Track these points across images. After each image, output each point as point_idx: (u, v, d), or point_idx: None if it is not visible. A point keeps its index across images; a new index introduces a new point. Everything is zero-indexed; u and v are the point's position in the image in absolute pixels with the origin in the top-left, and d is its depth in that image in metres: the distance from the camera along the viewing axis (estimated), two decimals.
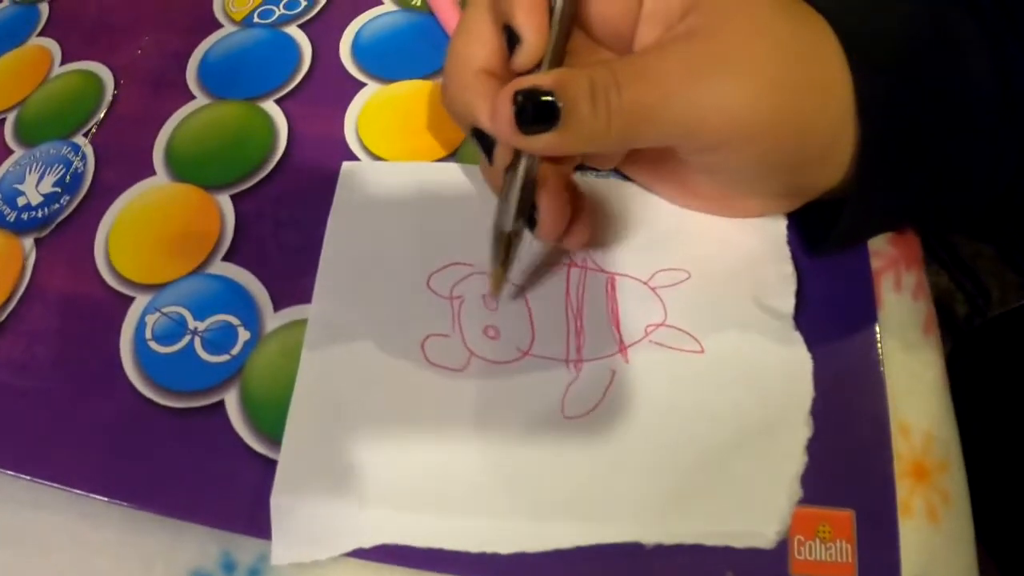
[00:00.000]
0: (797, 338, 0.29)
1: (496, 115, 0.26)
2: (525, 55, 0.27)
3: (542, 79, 0.25)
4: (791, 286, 0.30)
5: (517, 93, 0.25)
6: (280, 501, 0.28)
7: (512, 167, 0.27)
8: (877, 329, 0.30)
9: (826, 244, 0.29)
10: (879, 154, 0.26)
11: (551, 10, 0.27)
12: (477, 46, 0.28)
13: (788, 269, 0.31)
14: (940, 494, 0.28)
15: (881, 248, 0.33)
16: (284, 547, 0.27)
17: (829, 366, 0.29)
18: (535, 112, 0.25)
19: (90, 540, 0.30)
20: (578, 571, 0.27)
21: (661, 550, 0.27)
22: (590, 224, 0.29)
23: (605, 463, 0.28)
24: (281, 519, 0.28)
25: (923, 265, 0.33)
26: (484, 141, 0.28)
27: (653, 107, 0.25)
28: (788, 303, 0.30)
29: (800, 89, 0.26)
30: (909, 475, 0.28)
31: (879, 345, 0.30)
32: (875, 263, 0.32)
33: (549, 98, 0.25)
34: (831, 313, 0.31)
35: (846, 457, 0.28)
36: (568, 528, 0.27)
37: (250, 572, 0.29)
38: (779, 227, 0.32)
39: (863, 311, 0.31)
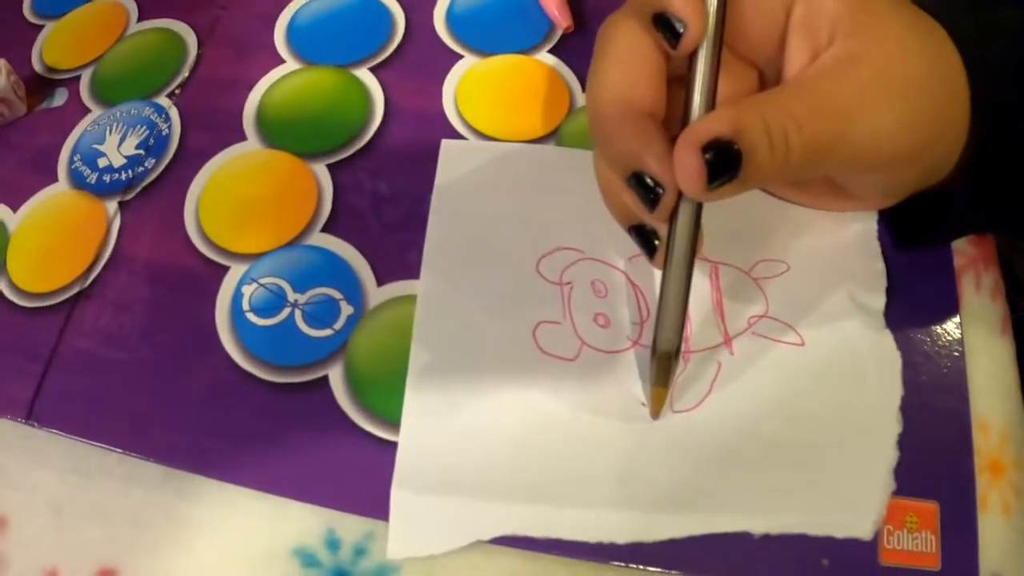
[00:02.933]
0: (888, 336, 0.30)
1: (684, 171, 0.24)
2: (689, 38, 0.25)
3: (718, 125, 0.24)
4: (882, 282, 0.31)
5: (705, 147, 0.24)
6: (400, 494, 0.28)
7: (668, 258, 0.26)
8: (960, 328, 0.31)
9: (920, 241, 0.30)
10: (990, 158, 0.26)
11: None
12: (639, 83, 0.26)
13: (879, 265, 0.31)
14: (1014, 489, 0.30)
15: (962, 247, 0.34)
16: (402, 541, 0.28)
17: (914, 362, 0.30)
18: (721, 164, 0.24)
19: (186, 518, 0.30)
20: (691, 556, 0.27)
21: (766, 539, 0.27)
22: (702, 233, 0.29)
23: (714, 456, 0.28)
24: (400, 513, 0.28)
25: (999, 266, 0.33)
26: (645, 187, 0.26)
27: (832, 142, 0.25)
28: (880, 299, 0.31)
29: (942, 110, 0.26)
30: (986, 471, 0.29)
31: (962, 344, 0.31)
32: (956, 262, 0.33)
33: (735, 147, 0.24)
34: (916, 310, 0.31)
35: (930, 451, 0.29)
36: (681, 519, 0.27)
37: (355, 550, 0.29)
38: (870, 222, 0.32)
39: (947, 309, 0.32)
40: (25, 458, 0.32)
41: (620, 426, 0.29)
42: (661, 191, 0.25)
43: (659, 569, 0.27)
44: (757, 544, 0.27)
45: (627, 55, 0.27)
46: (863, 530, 0.27)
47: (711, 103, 0.26)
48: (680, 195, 0.25)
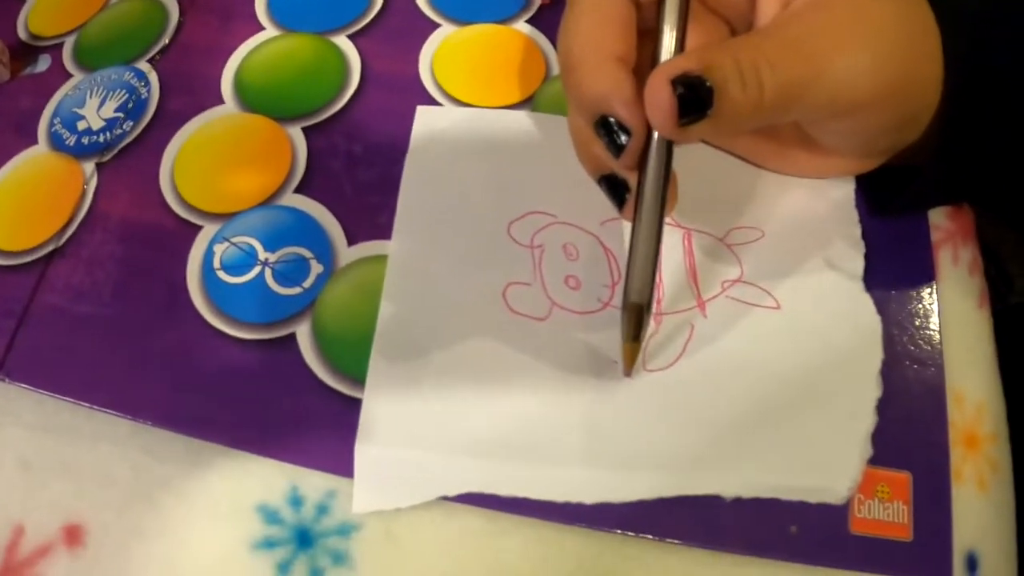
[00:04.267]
0: (868, 300, 0.30)
1: (653, 106, 0.24)
2: None
3: (687, 62, 0.24)
4: (860, 248, 0.31)
5: (675, 80, 0.24)
6: (364, 448, 0.28)
7: (637, 210, 0.26)
8: (937, 301, 0.31)
9: (894, 209, 0.30)
10: (959, 111, 0.26)
11: None
12: (609, 30, 0.27)
13: (857, 232, 0.31)
14: (990, 463, 0.29)
15: (939, 222, 0.34)
16: (367, 495, 0.28)
17: (890, 333, 0.30)
18: (691, 99, 0.24)
19: (153, 473, 0.30)
20: (658, 520, 0.27)
21: (736, 503, 0.27)
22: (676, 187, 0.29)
23: (686, 416, 0.28)
24: (364, 467, 0.28)
25: (977, 241, 0.34)
26: (611, 133, 0.26)
27: (806, 81, 0.25)
28: (858, 265, 0.31)
29: (913, 50, 0.26)
30: (961, 443, 0.29)
31: (938, 316, 0.31)
32: (934, 236, 0.33)
33: (705, 82, 0.24)
34: (893, 283, 0.32)
35: (904, 421, 0.29)
36: (652, 479, 0.27)
37: (318, 508, 0.29)
38: (848, 190, 0.32)
39: (924, 281, 0.32)
40: None
41: (590, 384, 0.29)
42: (627, 136, 0.25)
43: (625, 532, 0.27)
44: (726, 508, 0.27)
45: (597, 4, 0.27)
46: (837, 495, 0.27)
47: (680, 48, 0.26)
48: (648, 143, 0.26)
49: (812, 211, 0.32)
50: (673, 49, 0.26)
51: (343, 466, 0.29)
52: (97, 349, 0.32)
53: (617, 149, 0.26)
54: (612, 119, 0.26)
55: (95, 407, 0.31)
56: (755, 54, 0.25)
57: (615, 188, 0.27)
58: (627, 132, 0.25)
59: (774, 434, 0.28)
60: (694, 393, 0.28)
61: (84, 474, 0.30)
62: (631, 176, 0.27)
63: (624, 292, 0.27)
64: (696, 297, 0.30)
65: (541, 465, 0.28)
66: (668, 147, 0.26)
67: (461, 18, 0.38)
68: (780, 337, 0.29)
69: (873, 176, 0.32)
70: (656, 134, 0.26)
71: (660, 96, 0.24)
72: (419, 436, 0.28)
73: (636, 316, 0.27)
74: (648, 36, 0.27)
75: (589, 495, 0.27)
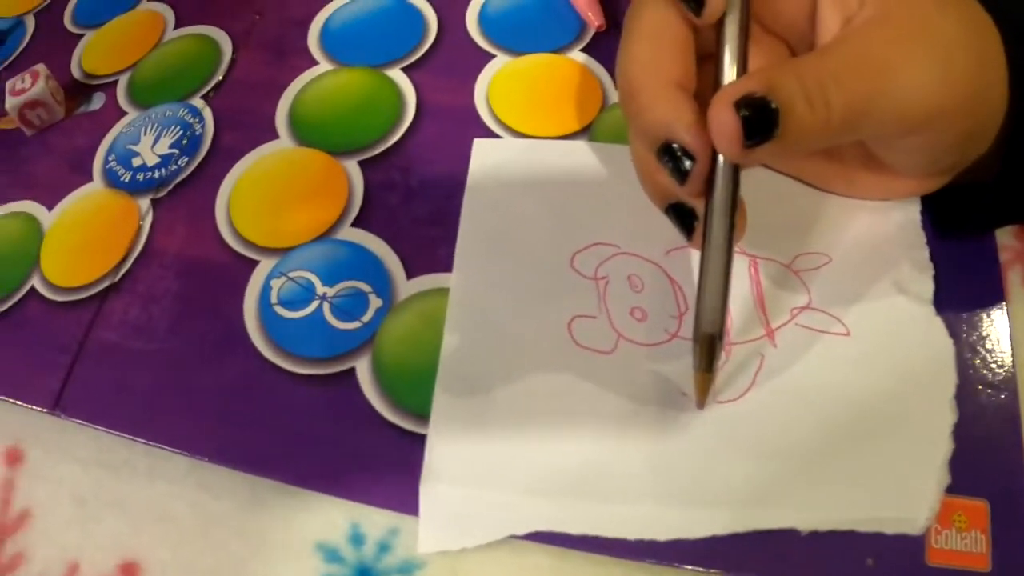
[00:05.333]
0: (939, 323, 0.30)
1: (718, 129, 0.24)
2: (712, 5, 0.26)
3: (750, 84, 0.24)
4: (929, 269, 0.31)
5: (738, 103, 0.24)
6: (429, 486, 0.28)
7: (706, 237, 0.26)
8: (1009, 323, 0.30)
9: (961, 227, 0.30)
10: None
11: None
12: (668, 55, 0.27)
13: (924, 254, 0.31)
14: None
15: (1007, 242, 0.33)
16: (433, 535, 0.27)
17: (962, 357, 0.29)
18: (757, 120, 0.23)
19: (210, 510, 0.30)
20: (732, 555, 0.27)
21: (811, 535, 0.27)
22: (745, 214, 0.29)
23: (759, 448, 0.28)
24: (430, 505, 0.28)
25: None
26: (675, 159, 0.26)
27: (872, 98, 0.25)
28: (928, 286, 0.30)
29: (979, 61, 0.26)
30: None
31: (1010, 338, 0.30)
32: (1002, 256, 0.32)
33: (770, 103, 0.24)
34: (962, 305, 0.31)
35: (979, 448, 0.28)
36: (725, 514, 0.27)
37: (379, 546, 0.29)
38: (913, 212, 0.32)
39: (994, 304, 0.31)
40: (52, 451, 0.32)
41: (660, 417, 0.28)
42: (692, 162, 0.25)
43: (698, 568, 0.27)
44: (801, 542, 0.27)
45: (654, 30, 0.27)
46: (915, 526, 0.26)
47: (743, 70, 0.26)
48: (714, 168, 0.25)
49: (878, 235, 0.31)
50: (735, 71, 0.26)
51: (406, 504, 0.28)
52: (153, 385, 0.32)
53: (682, 176, 0.26)
54: (676, 145, 0.26)
55: (151, 443, 0.31)
56: (820, 72, 0.24)
57: (683, 217, 0.27)
58: (691, 158, 0.25)
59: (849, 464, 0.27)
60: (766, 424, 0.28)
61: (140, 511, 0.31)
62: (698, 203, 0.27)
63: (695, 321, 0.27)
64: (765, 326, 0.30)
65: (611, 502, 0.27)
66: (734, 172, 0.26)
67: (515, 48, 0.38)
68: (851, 364, 0.29)
69: (938, 196, 0.31)
70: (721, 158, 0.26)
71: (724, 119, 0.24)
72: (486, 473, 0.28)
73: (708, 346, 0.27)
74: (707, 61, 0.27)
75: (661, 532, 0.27)
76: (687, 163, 0.25)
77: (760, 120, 0.24)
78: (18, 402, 0.33)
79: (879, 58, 0.25)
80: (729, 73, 0.26)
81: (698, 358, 0.27)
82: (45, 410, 0.32)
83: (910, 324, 0.29)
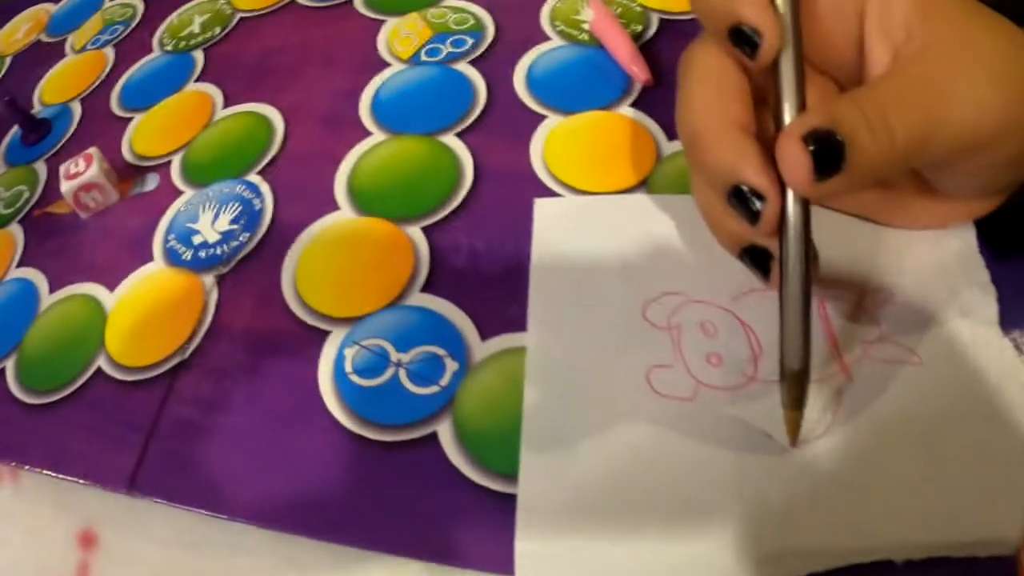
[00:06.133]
0: (1008, 344, 0.30)
1: (788, 165, 0.25)
2: (766, 46, 0.26)
3: (814, 119, 0.25)
4: (992, 293, 0.31)
5: (805, 137, 0.24)
6: (524, 544, 0.28)
7: (783, 276, 0.27)
8: None
9: (1016, 247, 0.31)
10: None
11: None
12: (727, 99, 0.27)
13: (985, 277, 0.31)
14: None
15: None
16: None
17: None
18: (824, 155, 0.24)
19: None
20: None
21: (907, 567, 0.26)
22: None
23: (847, 483, 0.28)
24: (526, 564, 0.27)
25: None
26: (746, 202, 0.26)
27: (934, 123, 0.25)
28: (992, 310, 0.30)
29: None
30: None
31: None
32: None
33: (836, 136, 0.24)
34: (1020, 323, 0.31)
35: None
36: (819, 553, 0.27)
37: None
38: (969, 237, 0.32)
39: None
40: (127, 532, 0.32)
41: (745, 461, 0.28)
42: (763, 202, 0.26)
43: None
44: (898, 573, 0.26)
45: (710, 76, 0.28)
46: (1008, 545, 0.26)
47: (802, 107, 0.26)
48: (785, 206, 0.26)
49: (939, 263, 0.32)
50: (795, 109, 0.26)
51: (501, 564, 0.28)
52: (230, 459, 0.32)
53: (754, 217, 0.26)
54: (745, 187, 0.26)
55: (230, 518, 0.31)
56: (880, 101, 0.25)
57: (758, 259, 0.28)
58: (761, 198, 0.26)
59: (937, 491, 0.27)
60: (851, 459, 0.28)
61: None
62: (772, 243, 0.27)
63: (780, 360, 0.27)
64: (839, 361, 0.30)
65: (703, 547, 0.27)
66: (805, 207, 0.26)
67: (565, 108, 0.40)
68: (927, 392, 0.29)
69: (991, 220, 0.32)
70: (791, 196, 0.26)
71: (794, 155, 0.25)
72: (579, 526, 0.28)
73: (796, 383, 0.27)
74: (762, 106, 0.28)
75: (757, 574, 0.26)
76: (758, 204, 0.26)
77: (827, 153, 0.25)
78: (92, 483, 0.33)
79: (935, 83, 0.25)
80: (790, 111, 0.26)
81: (786, 396, 0.27)
82: (121, 491, 0.32)
83: (980, 347, 0.30)
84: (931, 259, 0.32)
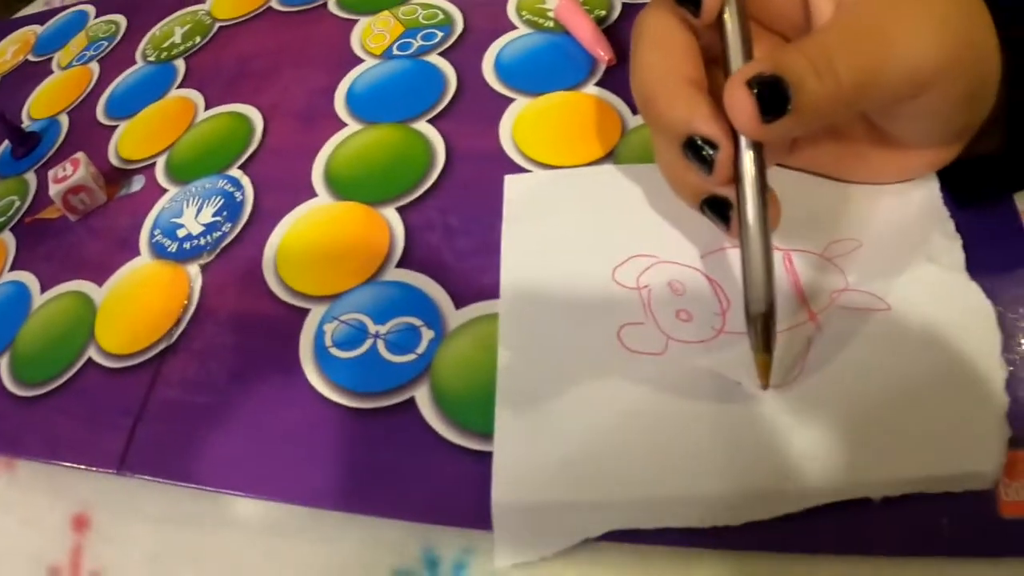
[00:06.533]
0: (975, 286, 0.31)
1: (735, 109, 0.26)
2: (708, 2, 0.28)
3: (759, 66, 0.26)
4: (957, 240, 0.32)
5: (750, 82, 0.25)
6: (500, 500, 0.28)
7: (742, 222, 0.28)
8: None
9: (977, 197, 0.32)
10: (1020, 87, 0.28)
11: None
12: (677, 58, 0.29)
13: (950, 226, 0.32)
14: None
15: None
16: (509, 547, 0.28)
17: (1000, 314, 0.30)
18: (770, 97, 0.25)
19: (283, 553, 0.31)
20: (809, 534, 0.27)
21: (884, 505, 0.27)
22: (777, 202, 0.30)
23: (820, 427, 0.28)
24: (503, 519, 0.28)
25: None
26: (699, 151, 0.28)
27: (878, 63, 0.27)
28: (959, 256, 0.31)
29: (969, 19, 0.28)
30: None
31: None
32: None
33: (781, 79, 0.26)
34: (992, 266, 0.32)
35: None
36: (796, 493, 0.27)
37: (455, 566, 0.29)
38: (932, 188, 0.33)
39: (1020, 262, 0.32)
40: (120, 513, 0.33)
41: (719, 409, 0.29)
42: (715, 151, 0.27)
43: (781, 552, 0.27)
44: (875, 512, 0.27)
45: (660, 37, 0.30)
46: (984, 480, 0.27)
47: (748, 57, 0.28)
48: (738, 155, 0.27)
49: (904, 213, 0.33)
50: (742, 59, 0.28)
51: (479, 521, 0.29)
52: (216, 434, 0.33)
53: (708, 166, 0.28)
54: (697, 138, 0.27)
55: (219, 490, 0.32)
56: (824, 46, 0.26)
57: (717, 208, 0.29)
58: (714, 147, 0.27)
59: (911, 430, 0.28)
60: (824, 403, 0.29)
61: (213, 562, 0.31)
62: (729, 191, 0.28)
63: (745, 304, 0.28)
64: (807, 311, 0.31)
65: (681, 494, 0.28)
66: (757, 152, 0.28)
67: (533, 90, 0.41)
68: (897, 336, 0.30)
69: (951, 172, 0.33)
70: (743, 142, 0.27)
71: (739, 98, 0.26)
72: (554, 481, 0.29)
73: (763, 325, 0.28)
74: (714, 64, 0.30)
75: (735, 517, 0.27)
76: (711, 152, 0.27)
77: (773, 96, 0.26)
78: (83, 467, 0.34)
79: (877, 26, 0.27)
80: (737, 62, 0.28)
81: (755, 338, 0.28)
82: (111, 471, 0.33)
83: (948, 291, 0.30)
84: (896, 210, 0.33)
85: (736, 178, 0.28)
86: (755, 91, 0.26)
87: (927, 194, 0.33)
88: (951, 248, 0.31)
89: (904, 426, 0.28)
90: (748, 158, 0.27)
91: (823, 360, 0.30)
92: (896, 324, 0.30)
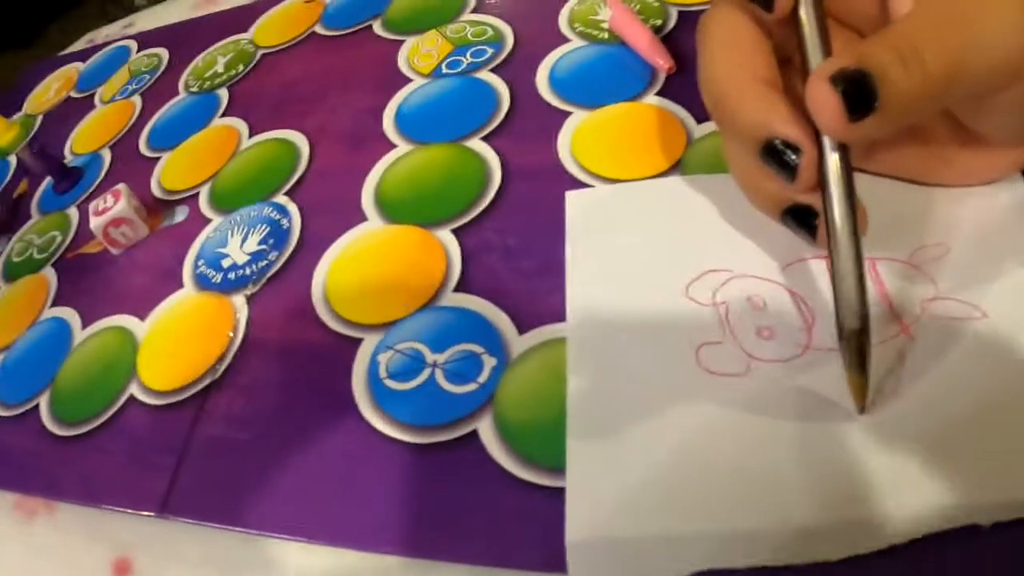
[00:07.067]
0: None
1: (819, 108, 0.24)
2: None
3: (842, 60, 0.24)
4: None
5: (834, 77, 0.23)
6: (575, 539, 0.26)
7: (831, 232, 0.26)
8: None
9: None
10: None
11: None
12: (749, 56, 0.27)
13: None
14: None
15: None
16: None
17: None
18: (856, 93, 0.24)
19: None
20: (915, 564, 0.24)
21: (994, 530, 0.24)
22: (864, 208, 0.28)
23: (922, 447, 0.26)
24: (578, 561, 0.26)
25: None
26: (780, 156, 0.26)
27: (965, 51, 0.24)
28: None
29: None
30: None
31: None
32: None
33: (866, 73, 0.24)
34: None
35: None
36: (898, 522, 0.25)
37: None
38: (1021, 189, 0.31)
39: None
40: (162, 555, 0.32)
41: (809, 432, 0.27)
42: (797, 156, 0.25)
43: None
44: (985, 542, 0.24)
45: (729, 35, 0.28)
46: None
47: (827, 53, 0.26)
48: (822, 156, 0.25)
49: (991, 216, 0.31)
50: (821, 55, 0.26)
51: (551, 563, 0.26)
52: (264, 475, 0.31)
53: (791, 172, 0.25)
54: (777, 141, 0.25)
55: (266, 534, 0.30)
56: (909, 34, 0.24)
57: (801, 217, 0.27)
58: (796, 150, 0.25)
59: (1018, 445, 0.25)
60: (923, 421, 0.26)
61: None
62: (814, 199, 0.26)
63: (837, 322, 0.26)
64: (898, 323, 0.28)
65: (772, 527, 0.25)
66: (844, 154, 0.25)
67: (590, 103, 0.39)
68: (997, 345, 0.27)
69: None
70: (827, 144, 0.25)
71: (824, 96, 0.24)
72: (633, 517, 0.26)
73: (857, 344, 0.25)
74: (787, 67, 0.28)
75: (833, 551, 0.25)
76: (793, 157, 0.25)
77: (859, 91, 0.23)
78: (125, 510, 0.32)
79: (962, 12, 0.24)
80: (816, 57, 0.26)
81: (848, 359, 0.26)
82: (153, 514, 0.31)
83: None
84: (983, 214, 0.31)
85: (821, 184, 0.25)
86: (840, 88, 0.23)
87: (1015, 195, 0.31)
88: None
89: (1013, 443, 0.25)
90: (833, 161, 0.25)
91: (919, 375, 0.27)
92: (995, 333, 0.27)
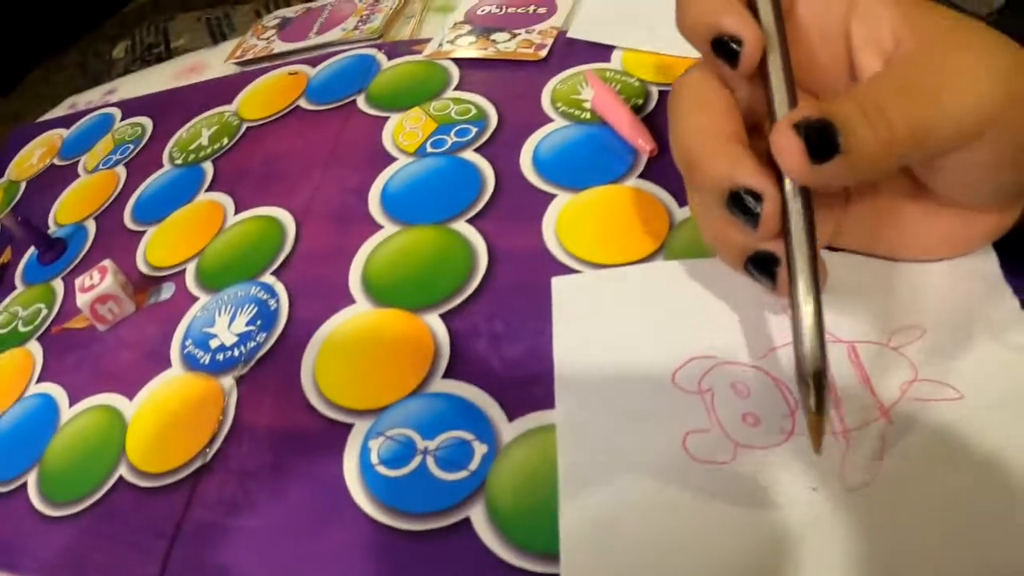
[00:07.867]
0: None
1: (782, 152, 0.25)
2: (747, 51, 0.28)
3: (806, 111, 0.26)
4: (1021, 316, 0.31)
5: (797, 125, 0.25)
6: None
7: (792, 278, 0.27)
8: None
9: None
10: None
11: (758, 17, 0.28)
12: (717, 117, 0.29)
13: (1015, 303, 0.31)
14: None
15: None
16: None
17: None
18: (818, 140, 0.25)
19: None
20: None
21: None
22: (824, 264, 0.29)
23: (905, 526, 0.27)
24: None
25: None
26: (743, 204, 0.27)
27: (930, 113, 0.26)
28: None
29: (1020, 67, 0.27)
30: None
31: None
32: None
33: (830, 123, 0.25)
34: None
35: None
36: None
37: None
38: (991, 262, 0.32)
39: None
40: None
41: (794, 517, 0.28)
42: (760, 203, 0.26)
43: None
44: None
45: (698, 98, 0.29)
46: None
47: (793, 104, 0.27)
48: (785, 203, 0.26)
49: (964, 293, 0.32)
50: (787, 107, 0.27)
51: None
52: (256, 560, 0.31)
53: (754, 219, 0.27)
54: (741, 190, 0.27)
55: None
56: (876, 94, 0.26)
57: (762, 264, 0.28)
58: (758, 198, 0.27)
59: (1005, 525, 0.26)
60: (909, 502, 0.27)
61: None
62: (776, 247, 0.28)
63: (796, 363, 0.27)
64: (879, 407, 0.30)
65: None
66: (806, 199, 0.27)
67: (574, 185, 0.40)
68: (974, 425, 0.29)
69: (1009, 245, 0.32)
70: (789, 190, 0.27)
71: (787, 140, 0.25)
72: None
73: (816, 383, 0.26)
74: (755, 132, 0.29)
75: None
76: (756, 204, 0.27)
77: (821, 139, 0.25)
78: None
79: (932, 75, 0.26)
80: (783, 108, 0.27)
81: (806, 399, 0.27)
82: None
83: (1018, 371, 0.29)
84: (957, 291, 0.32)
85: (784, 232, 0.27)
86: (803, 134, 0.25)
87: (986, 269, 0.32)
88: (1016, 323, 0.30)
89: (996, 521, 0.26)
90: (796, 209, 0.27)
91: (900, 457, 0.28)
92: (969, 412, 0.29)
